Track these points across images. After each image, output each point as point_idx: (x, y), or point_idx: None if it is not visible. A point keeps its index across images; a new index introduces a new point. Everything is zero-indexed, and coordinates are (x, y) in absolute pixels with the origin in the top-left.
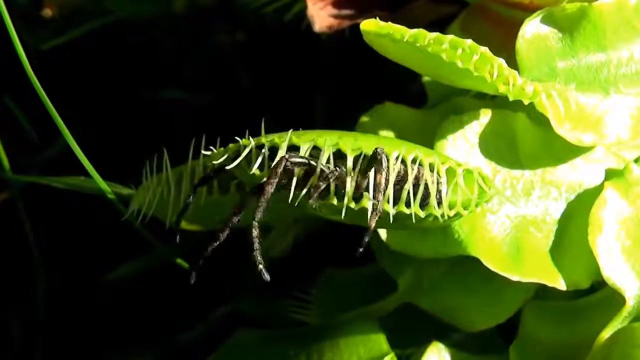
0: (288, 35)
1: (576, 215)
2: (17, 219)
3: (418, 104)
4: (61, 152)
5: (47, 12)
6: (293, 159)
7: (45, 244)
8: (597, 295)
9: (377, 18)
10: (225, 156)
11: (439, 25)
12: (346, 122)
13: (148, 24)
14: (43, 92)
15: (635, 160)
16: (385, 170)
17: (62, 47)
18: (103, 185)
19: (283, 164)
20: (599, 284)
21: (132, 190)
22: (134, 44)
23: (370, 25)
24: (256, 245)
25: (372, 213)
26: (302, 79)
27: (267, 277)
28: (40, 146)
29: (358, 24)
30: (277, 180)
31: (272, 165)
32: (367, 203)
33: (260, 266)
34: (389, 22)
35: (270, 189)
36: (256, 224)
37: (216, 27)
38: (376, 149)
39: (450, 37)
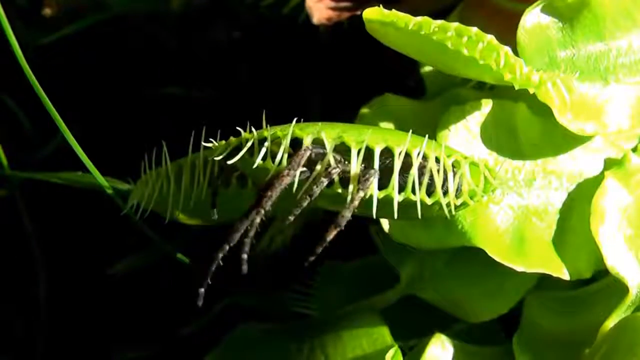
0: (284, 29)
1: (577, 204)
2: (16, 216)
3: (415, 97)
4: (59, 149)
5: (47, 11)
6: (316, 150)
7: (45, 241)
8: (598, 285)
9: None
10: (227, 150)
11: (436, 17)
12: (343, 115)
13: (146, 21)
14: (39, 87)
15: (633, 150)
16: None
17: (61, 46)
18: (101, 180)
19: (307, 154)
20: (598, 273)
21: (131, 185)
22: (132, 42)
23: (373, 14)
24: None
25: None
26: (299, 72)
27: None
28: (38, 143)
29: (356, 16)
30: (298, 170)
31: (296, 155)
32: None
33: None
34: (393, 10)
35: (288, 180)
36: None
37: (213, 23)
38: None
39: (456, 24)
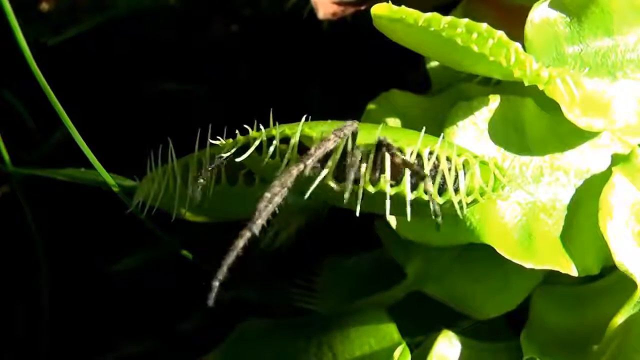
0: (285, 25)
1: (584, 200)
2: (19, 212)
3: (419, 92)
4: (61, 145)
5: (44, 6)
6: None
7: (48, 237)
8: (606, 281)
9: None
10: (235, 148)
11: (440, 11)
12: (345, 111)
13: (145, 16)
14: (45, 83)
15: None
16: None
17: (60, 42)
18: (107, 177)
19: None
20: (606, 269)
21: (136, 182)
22: (132, 37)
23: (382, 10)
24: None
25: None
26: (300, 68)
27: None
28: (40, 139)
29: (361, 11)
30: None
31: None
32: (386, 187)
33: None
34: (403, 6)
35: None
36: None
37: (212, 19)
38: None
39: (466, 21)
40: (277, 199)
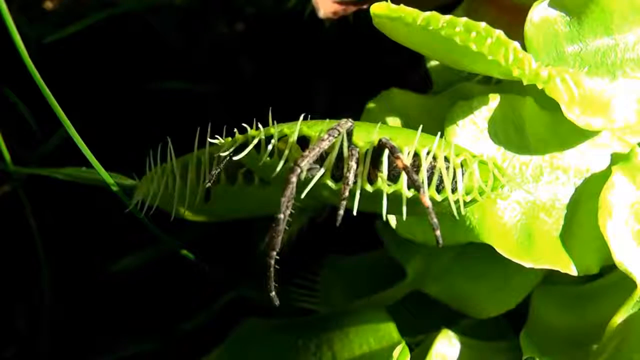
0: (288, 24)
1: (584, 200)
2: (20, 212)
3: (420, 91)
4: (63, 145)
5: (48, 4)
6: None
7: (49, 237)
8: (605, 280)
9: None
10: (233, 146)
11: (442, 11)
12: (347, 110)
13: (148, 15)
14: (42, 82)
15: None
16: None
17: (63, 39)
18: (106, 176)
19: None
20: (606, 269)
21: (135, 181)
22: (135, 35)
23: (380, 9)
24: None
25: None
26: (303, 67)
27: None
28: (41, 138)
29: (362, 11)
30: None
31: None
32: (383, 186)
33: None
34: (401, 5)
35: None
36: None
37: (216, 17)
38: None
39: (464, 20)
40: (288, 212)
